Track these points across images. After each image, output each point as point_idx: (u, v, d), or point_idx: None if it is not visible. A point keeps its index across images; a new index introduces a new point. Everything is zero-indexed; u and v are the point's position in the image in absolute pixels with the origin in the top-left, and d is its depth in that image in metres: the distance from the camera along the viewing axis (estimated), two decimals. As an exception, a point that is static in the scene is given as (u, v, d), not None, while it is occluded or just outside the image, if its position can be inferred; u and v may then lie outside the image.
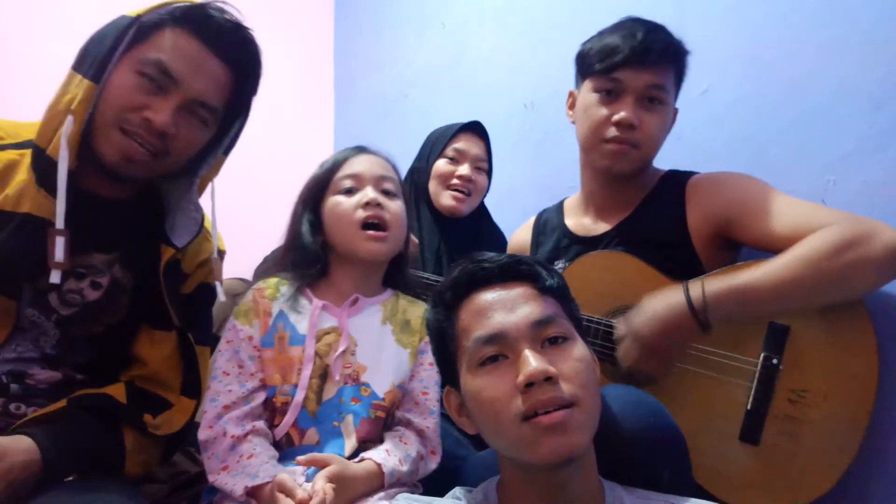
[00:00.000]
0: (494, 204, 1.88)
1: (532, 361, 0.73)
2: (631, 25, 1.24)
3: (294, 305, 1.10)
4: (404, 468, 1.00)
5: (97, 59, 0.93)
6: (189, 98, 0.96)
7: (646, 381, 1.13)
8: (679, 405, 1.03)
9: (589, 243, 1.33)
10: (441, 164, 1.60)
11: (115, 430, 0.98)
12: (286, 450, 1.03)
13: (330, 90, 2.95)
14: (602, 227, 1.33)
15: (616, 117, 1.21)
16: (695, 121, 1.48)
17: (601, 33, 1.28)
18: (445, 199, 1.58)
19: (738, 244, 1.21)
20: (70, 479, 0.93)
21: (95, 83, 0.92)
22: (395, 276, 1.20)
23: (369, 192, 1.11)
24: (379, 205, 1.10)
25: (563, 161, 1.70)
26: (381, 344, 1.11)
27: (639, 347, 1.11)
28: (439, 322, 0.85)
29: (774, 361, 1.09)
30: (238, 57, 1.02)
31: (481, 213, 1.71)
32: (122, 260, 1.02)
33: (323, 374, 1.06)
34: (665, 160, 1.33)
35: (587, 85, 1.28)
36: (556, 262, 1.37)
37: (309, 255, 1.13)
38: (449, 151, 1.60)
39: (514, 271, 0.82)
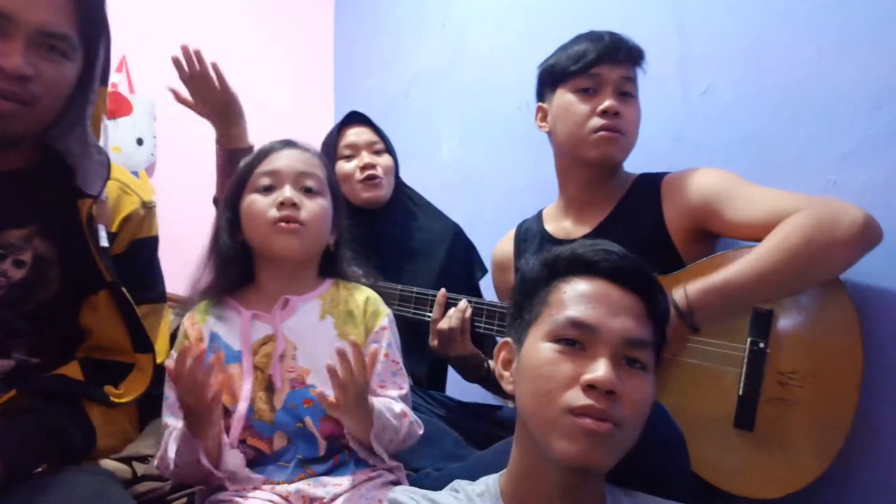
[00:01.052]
0: (494, 204, 1.89)
1: (605, 369, 0.72)
2: (592, 33, 1.32)
3: (225, 322, 1.07)
4: (389, 415, 0.98)
5: None
6: (32, 31, 0.88)
7: None
8: (672, 398, 1.04)
9: None
10: (341, 165, 1.59)
11: (77, 409, 0.96)
12: (262, 460, 1.01)
13: (330, 90, 2.96)
14: (582, 230, 1.36)
15: (601, 107, 1.26)
16: (695, 121, 1.48)
17: (561, 48, 1.36)
18: (361, 193, 1.56)
19: (714, 235, 1.25)
20: (40, 469, 0.92)
21: None
22: (331, 266, 1.16)
23: (286, 191, 1.06)
24: (294, 204, 1.06)
25: (563, 161, 1.70)
26: (321, 342, 1.06)
27: None
28: (536, 280, 0.83)
29: (761, 345, 1.11)
30: None
31: (403, 197, 1.69)
32: (40, 231, 0.98)
33: (269, 386, 1.03)
34: (665, 160, 1.33)
35: (561, 90, 1.33)
36: None
37: (228, 257, 1.09)
38: (342, 151, 1.61)
39: (637, 281, 0.80)
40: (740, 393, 1.11)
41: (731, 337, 1.13)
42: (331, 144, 1.64)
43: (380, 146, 1.63)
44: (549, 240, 1.41)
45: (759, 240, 1.12)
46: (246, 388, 1.02)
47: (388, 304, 1.17)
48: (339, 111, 2.91)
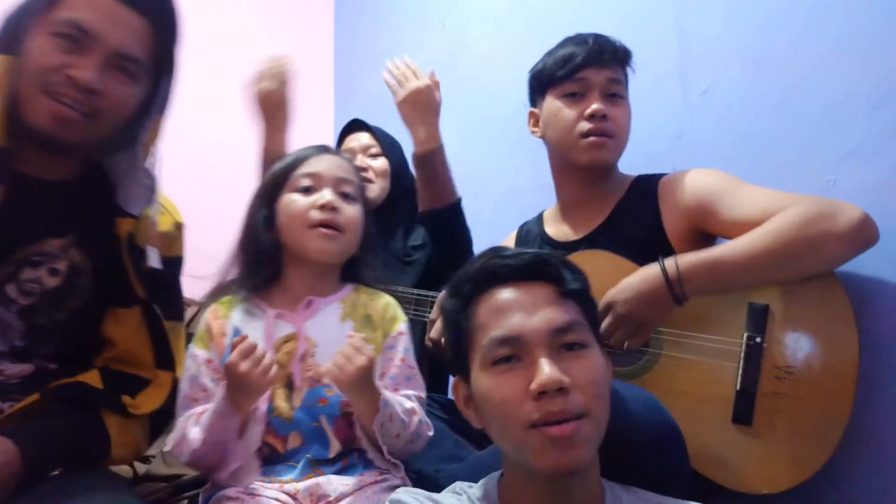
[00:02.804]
0: (495, 204, 1.89)
1: (547, 370, 0.72)
2: (577, 36, 1.33)
3: (248, 319, 1.08)
4: (397, 408, 1.00)
5: (10, 32, 0.92)
6: (110, 51, 0.94)
7: (617, 350, 1.15)
8: (670, 394, 1.04)
9: (568, 248, 1.36)
10: None
11: (95, 417, 0.98)
12: (273, 458, 1.02)
13: (330, 90, 2.95)
14: (580, 233, 1.36)
15: (588, 111, 1.28)
16: (695, 121, 1.48)
17: (549, 52, 1.36)
18: None
19: (712, 237, 1.25)
20: (55, 473, 0.92)
21: (13, 55, 0.91)
22: (354, 271, 1.17)
23: (326, 194, 1.09)
24: (335, 208, 1.08)
25: (563, 161, 1.70)
26: (340, 343, 1.06)
27: (613, 316, 1.14)
28: (455, 313, 0.83)
29: (758, 340, 1.11)
30: (152, 6, 0.99)
31: (401, 199, 1.70)
32: (77, 243, 1.01)
33: (289, 383, 1.04)
34: (665, 160, 1.33)
35: (550, 96, 1.35)
36: None
37: (261, 252, 1.10)
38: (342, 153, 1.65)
39: (537, 271, 0.80)
40: (738, 388, 1.11)
41: (727, 332, 1.14)
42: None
43: (375, 150, 1.66)
44: (549, 243, 1.42)
45: None
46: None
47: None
48: (339, 111, 2.91)
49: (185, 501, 1.15)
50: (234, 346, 0.94)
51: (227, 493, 0.97)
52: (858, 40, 1.22)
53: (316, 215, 1.07)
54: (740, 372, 1.11)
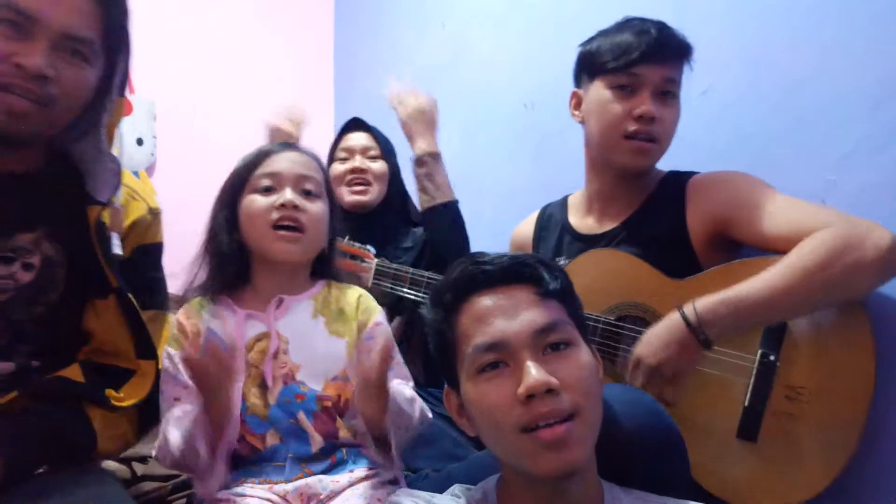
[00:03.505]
0: (494, 204, 1.89)
1: (533, 373, 0.71)
2: (640, 23, 1.24)
3: (218, 319, 1.07)
4: (400, 399, 0.98)
5: None
6: (57, 34, 0.89)
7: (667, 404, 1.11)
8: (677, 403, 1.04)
9: (591, 241, 1.34)
10: (335, 167, 1.66)
11: (78, 412, 0.96)
12: (256, 457, 1.01)
13: (330, 90, 2.95)
14: (605, 227, 1.33)
15: (637, 111, 1.21)
16: (695, 121, 1.47)
17: (605, 32, 1.28)
18: (347, 196, 1.63)
19: (737, 244, 1.22)
20: (41, 471, 0.92)
21: None
22: (323, 267, 1.16)
23: (287, 194, 1.07)
24: (296, 206, 1.06)
25: (563, 161, 1.70)
26: (312, 339, 1.07)
27: (644, 372, 1.10)
28: (438, 324, 0.83)
29: (772, 358, 1.09)
30: None
31: (395, 203, 1.72)
32: (48, 235, 0.98)
33: (262, 382, 1.03)
34: (665, 160, 1.32)
35: (599, 83, 1.27)
36: (557, 259, 1.37)
37: (224, 255, 1.09)
38: (339, 154, 1.68)
39: (515, 274, 0.79)
40: (745, 404, 1.10)
41: (741, 347, 1.11)
42: (331, 148, 1.70)
43: (374, 152, 1.66)
44: (570, 233, 1.39)
45: (782, 252, 1.08)
46: (238, 386, 1.01)
47: (398, 287, 1.22)
48: (339, 111, 2.91)
49: (183, 500, 1.14)
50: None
51: (218, 496, 0.96)
52: (858, 40, 1.22)
53: (275, 215, 1.06)
54: (750, 388, 1.10)
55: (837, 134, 1.23)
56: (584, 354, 0.77)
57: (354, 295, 1.13)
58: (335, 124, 2.92)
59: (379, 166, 1.66)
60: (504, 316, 0.76)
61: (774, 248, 1.10)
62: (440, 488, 0.86)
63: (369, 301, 1.14)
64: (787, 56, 1.33)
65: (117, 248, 1.01)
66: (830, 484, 1.04)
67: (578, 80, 1.36)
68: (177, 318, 1.10)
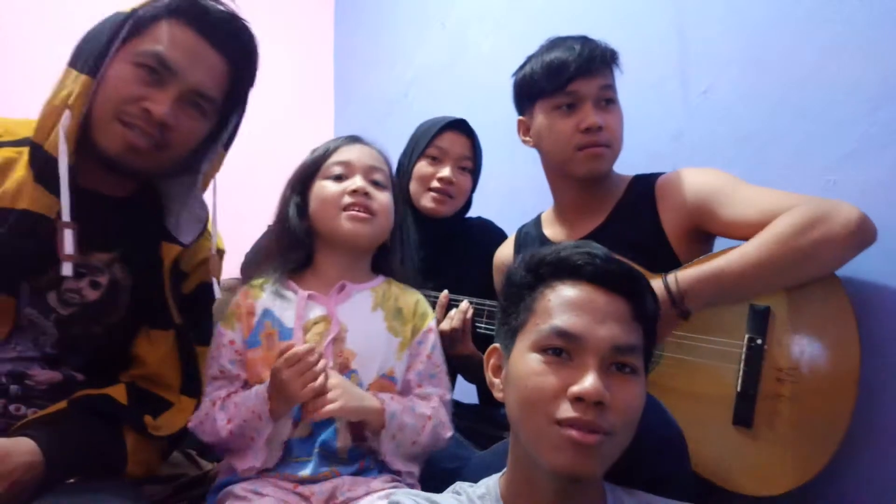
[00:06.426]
0: (494, 204, 1.88)
1: (593, 380, 0.71)
2: (564, 41, 1.30)
3: (279, 300, 1.10)
4: (407, 418, 1.01)
5: (93, 54, 0.93)
6: (187, 88, 0.96)
7: None
8: (671, 396, 1.04)
9: None
10: (422, 166, 1.52)
11: (116, 431, 0.98)
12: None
13: (330, 90, 2.96)
14: (579, 234, 1.36)
15: (584, 125, 1.25)
16: (695, 121, 1.48)
17: (533, 57, 1.34)
18: (426, 201, 1.51)
19: (711, 235, 1.25)
20: (72, 481, 0.93)
21: (92, 77, 0.93)
22: (385, 263, 1.19)
23: (358, 181, 1.11)
24: (366, 194, 1.10)
25: (563, 161, 1.70)
26: (370, 330, 1.09)
27: None
28: (521, 286, 0.82)
29: (759, 342, 1.11)
30: (234, 47, 1.02)
31: (460, 213, 1.62)
32: (121, 259, 1.02)
33: None
34: (665, 160, 1.33)
35: (541, 106, 1.32)
36: None
37: (295, 239, 1.13)
38: (431, 150, 1.52)
39: (622, 285, 0.78)
40: (738, 390, 1.11)
41: (728, 334, 1.14)
42: (421, 140, 1.55)
43: (469, 164, 1.55)
44: (547, 244, 1.40)
45: None
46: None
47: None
48: (339, 111, 2.91)
49: (186, 503, 1.14)
50: (281, 353, 0.96)
51: (234, 492, 0.97)
52: (858, 40, 1.22)
53: (347, 199, 1.09)
54: (741, 374, 1.11)
55: (837, 134, 1.23)
56: (641, 386, 0.77)
57: (413, 298, 1.16)
58: (335, 124, 2.92)
59: (465, 181, 1.54)
60: (593, 316, 0.75)
61: (747, 235, 1.13)
62: (443, 489, 0.86)
63: (426, 307, 1.18)
64: (787, 56, 1.33)
65: (218, 294, 1.09)
66: (828, 462, 1.05)
67: (521, 108, 1.41)
68: (236, 297, 1.13)
